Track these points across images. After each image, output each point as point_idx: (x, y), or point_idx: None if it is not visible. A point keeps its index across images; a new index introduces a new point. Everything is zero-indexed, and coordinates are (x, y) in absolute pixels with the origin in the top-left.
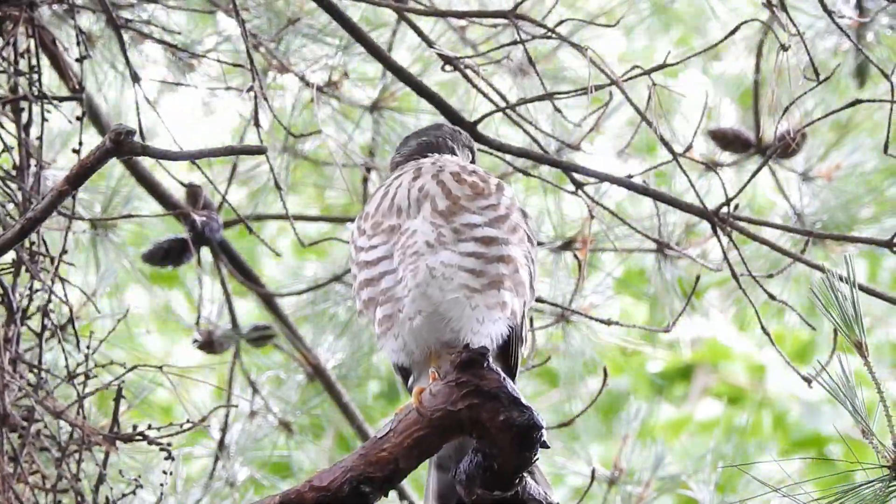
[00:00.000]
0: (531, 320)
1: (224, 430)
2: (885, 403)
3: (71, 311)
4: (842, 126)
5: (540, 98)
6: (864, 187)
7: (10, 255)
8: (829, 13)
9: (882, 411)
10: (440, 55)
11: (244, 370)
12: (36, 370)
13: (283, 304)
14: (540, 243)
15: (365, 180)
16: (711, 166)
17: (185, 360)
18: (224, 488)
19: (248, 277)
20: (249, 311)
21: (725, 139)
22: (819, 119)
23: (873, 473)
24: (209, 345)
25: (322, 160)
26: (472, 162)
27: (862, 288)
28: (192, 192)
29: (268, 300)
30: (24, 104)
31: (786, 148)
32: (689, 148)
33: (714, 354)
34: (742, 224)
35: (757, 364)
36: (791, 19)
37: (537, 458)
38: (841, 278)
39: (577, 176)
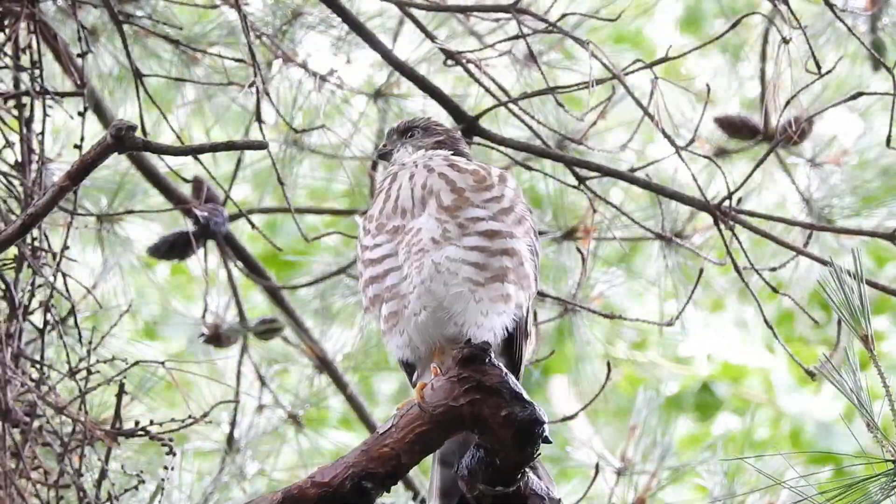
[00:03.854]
0: (535, 314)
1: (233, 424)
2: (890, 397)
3: (73, 306)
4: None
5: (542, 92)
6: (872, 171)
7: (13, 251)
8: (831, 6)
9: (888, 405)
10: (442, 50)
11: (253, 364)
12: (38, 366)
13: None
14: (541, 233)
15: (371, 176)
16: (714, 161)
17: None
18: (232, 482)
19: (254, 270)
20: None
21: (733, 126)
22: (823, 111)
23: (878, 468)
24: (216, 338)
25: (327, 153)
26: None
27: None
28: (197, 185)
29: (274, 293)
30: (26, 99)
31: (791, 136)
32: (691, 142)
33: (729, 371)
34: (744, 217)
35: (770, 381)
36: (792, 12)
37: (539, 454)
38: (848, 273)
39: (579, 170)
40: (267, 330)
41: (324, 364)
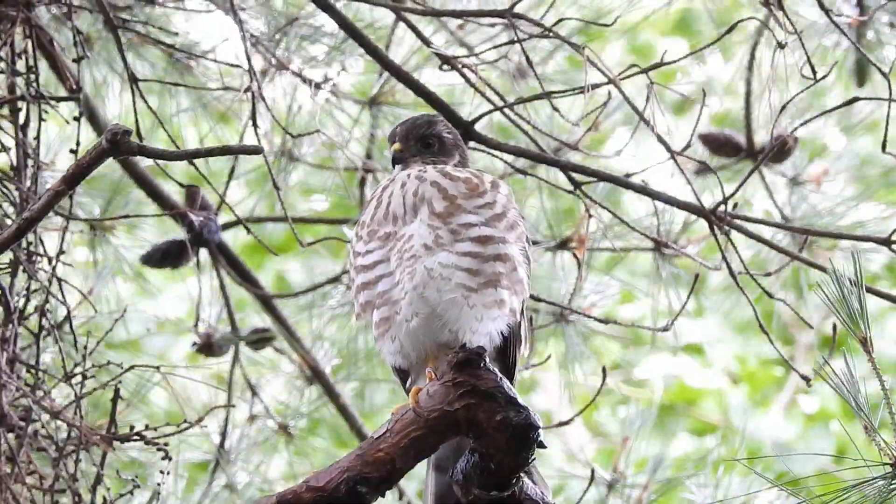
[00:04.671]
0: (530, 320)
1: (224, 433)
2: (888, 400)
3: (68, 311)
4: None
5: (537, 97)
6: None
7: (8, 256)
8: (827, 11)
9: (886, 407)
10: (437, 54)
11: (244, 373)
12: (33, 370)
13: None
14: (535, 242)
15: (362, 182)
16: (709, 166)
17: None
18: (224, 491)
19: (247, 279)
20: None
21: (717, 143)
22: (817, 116)
23: (876, 471)
24: (208, 347)
25: (321, 161)
26: (464, 161)
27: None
28: (191, 192)
29: (266, 302)
30: (21, 104)
31: (780, 150)
32: (686, 147)
33: (685, 393)
34: (739, 223)
35: (727, 403)
36: (788, 17)
37: (534, 458)
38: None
39: (575, 175)
40: (259, 339)
41: (316, 374)
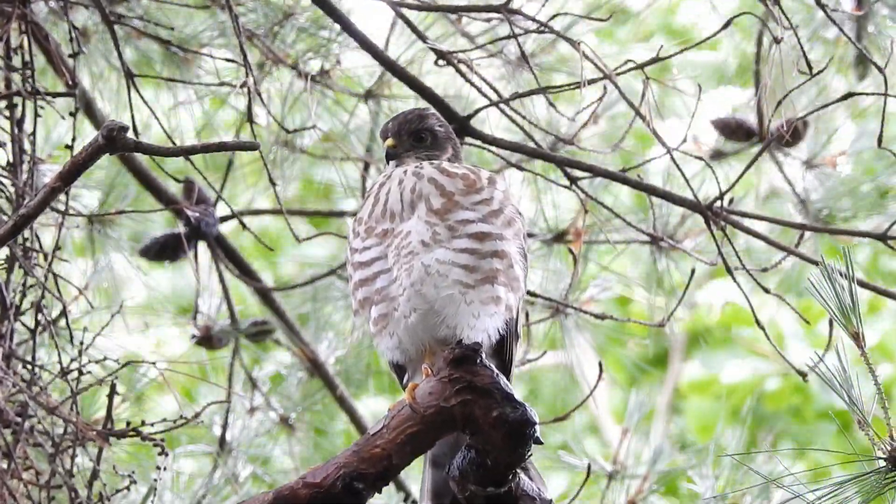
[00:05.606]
0: (526, 315)
1: (224, 426)
2: (881, 395)
3: (64, 306)
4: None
5: (533, 92)
6: (868, 174)
7: (4, 251)
8: (823, 7)
9: (879, 402)
10: (433, 49)
11: (244, 366)
12: (30, 366)
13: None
14: (532, 235)
15: (363, 178)
16: (704, 160)
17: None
18: (224, 485)
19: (245, 272)
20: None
21: (729, 128)
22: (814, 111)
23: (870, 465)
24: (208, 340)
25: (319, 154)
26: (457, 154)
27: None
28: (188, 186)
29: (265, 295)
30: (17, 100)
31: (783, 137)
32: (682, 142)
33: (738, 319)
34: (736, 218)
35: (779, 332)
36: (783, 12)
37: (531, 455)
38: (840, 273)
39: (571, 170)
40: (258, 332)
41: (315, 366)
